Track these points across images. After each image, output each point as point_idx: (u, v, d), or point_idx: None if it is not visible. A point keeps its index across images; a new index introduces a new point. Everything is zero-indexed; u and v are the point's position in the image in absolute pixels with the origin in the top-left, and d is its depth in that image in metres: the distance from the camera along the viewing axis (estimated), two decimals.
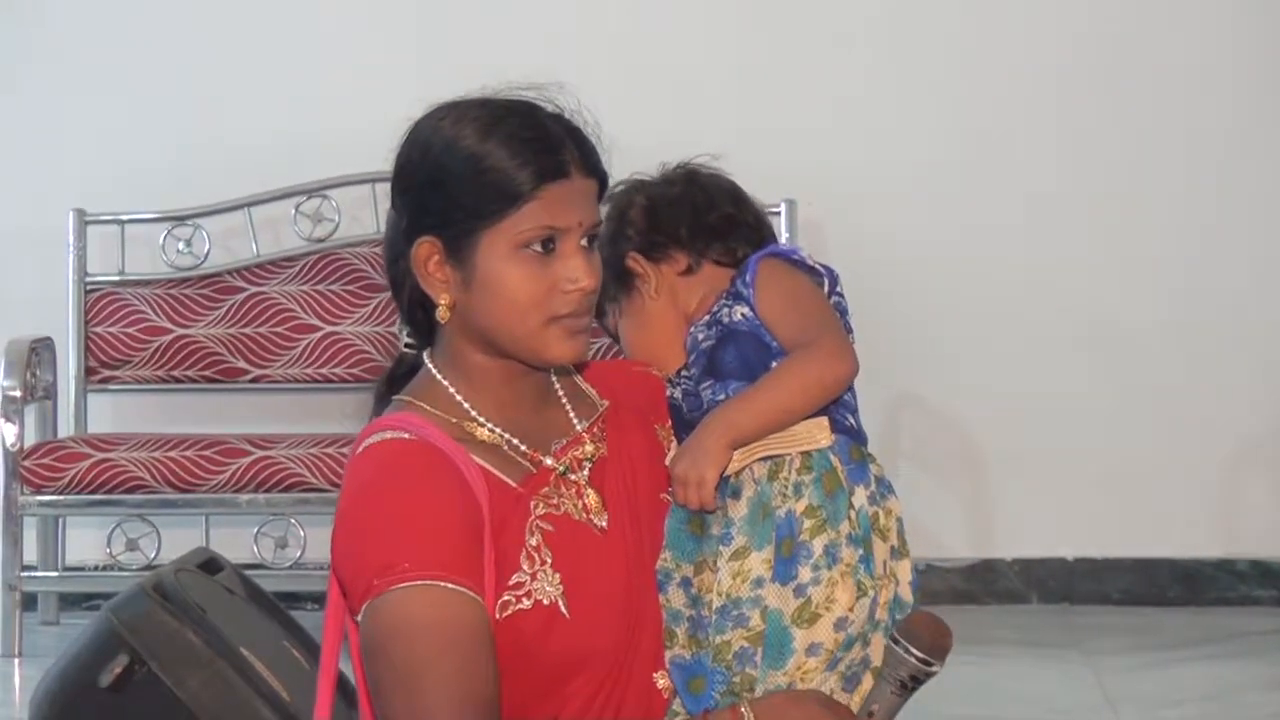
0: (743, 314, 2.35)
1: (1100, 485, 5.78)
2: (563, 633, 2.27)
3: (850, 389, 2.35)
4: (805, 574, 2.24)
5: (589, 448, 2.37)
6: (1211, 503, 5.78)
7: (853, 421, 2.34)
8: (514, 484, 2.31)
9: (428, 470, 2.26)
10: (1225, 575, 5.78)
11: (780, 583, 2.25)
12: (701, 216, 2.46)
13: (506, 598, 2.26)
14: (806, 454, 2.28)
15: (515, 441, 2.33)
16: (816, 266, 2.40)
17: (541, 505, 2.31)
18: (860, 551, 2.26)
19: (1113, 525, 5.79)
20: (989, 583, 5.81)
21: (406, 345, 2.42)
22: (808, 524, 2.25)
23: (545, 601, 2.26)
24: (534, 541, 2.28)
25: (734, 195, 2.49)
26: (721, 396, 2.33)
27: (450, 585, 2.20)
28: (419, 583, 2.20)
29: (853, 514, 2.27)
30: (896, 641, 2.27)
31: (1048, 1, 5.79)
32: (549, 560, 2.28)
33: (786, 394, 2.28)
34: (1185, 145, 5.77)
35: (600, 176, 2.32)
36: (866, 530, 2.27)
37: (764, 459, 2.29)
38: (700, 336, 2.38)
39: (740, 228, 2.47)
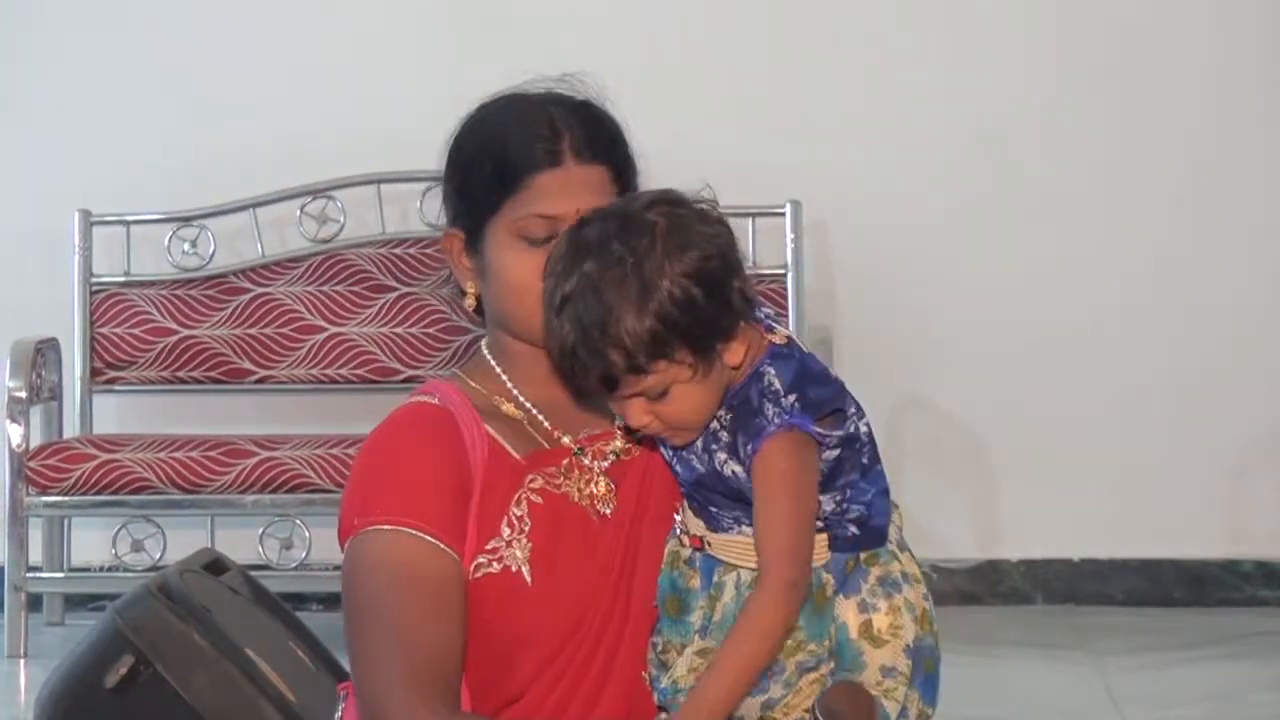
0: (734, 471, 2.23)
1: (1105, 486, 5.77)
2: (520, 599, 2.30)
3: (871, 442, 2.25)
4: (776, 690, 2.24)
5: (619, 444, 2.39)
6: (1217, 503, 5.77)
7: (854, 530, 2.27)
8: (518, 456, 2.34)
9: (427, 429, 2.33)
10: (1230, 576, 5.77)
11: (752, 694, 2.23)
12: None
13: (480, 559, 2.30)
14: None
15: (540, 418, 2.38)
16: (830, 432, 2.22)
17: (540, 480, 2.34)
18: (832, 665, 2.25)
19: (1118, 526, 5.79)
20: (994, 583, 5.80)
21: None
22: (787, 643, 2.23)
23: (513, 568, 2.30)
24: (519, 511, 2.32)
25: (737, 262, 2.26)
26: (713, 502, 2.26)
27: (421, 534, 2.27)
28: (391, 527, 2.27)
29: (833, 628, 2.25)
30: (816, 717, 2.22)
31: (1048, 1, 5.78)
32: (527, 529, 2.31)
33: (751, 662, 2.20)
34: (1186, 145, 5.76)
35: (611, 161, 2.34)
36: (842, 644, 2.24)
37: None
38: (716, 447, 2.25)
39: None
